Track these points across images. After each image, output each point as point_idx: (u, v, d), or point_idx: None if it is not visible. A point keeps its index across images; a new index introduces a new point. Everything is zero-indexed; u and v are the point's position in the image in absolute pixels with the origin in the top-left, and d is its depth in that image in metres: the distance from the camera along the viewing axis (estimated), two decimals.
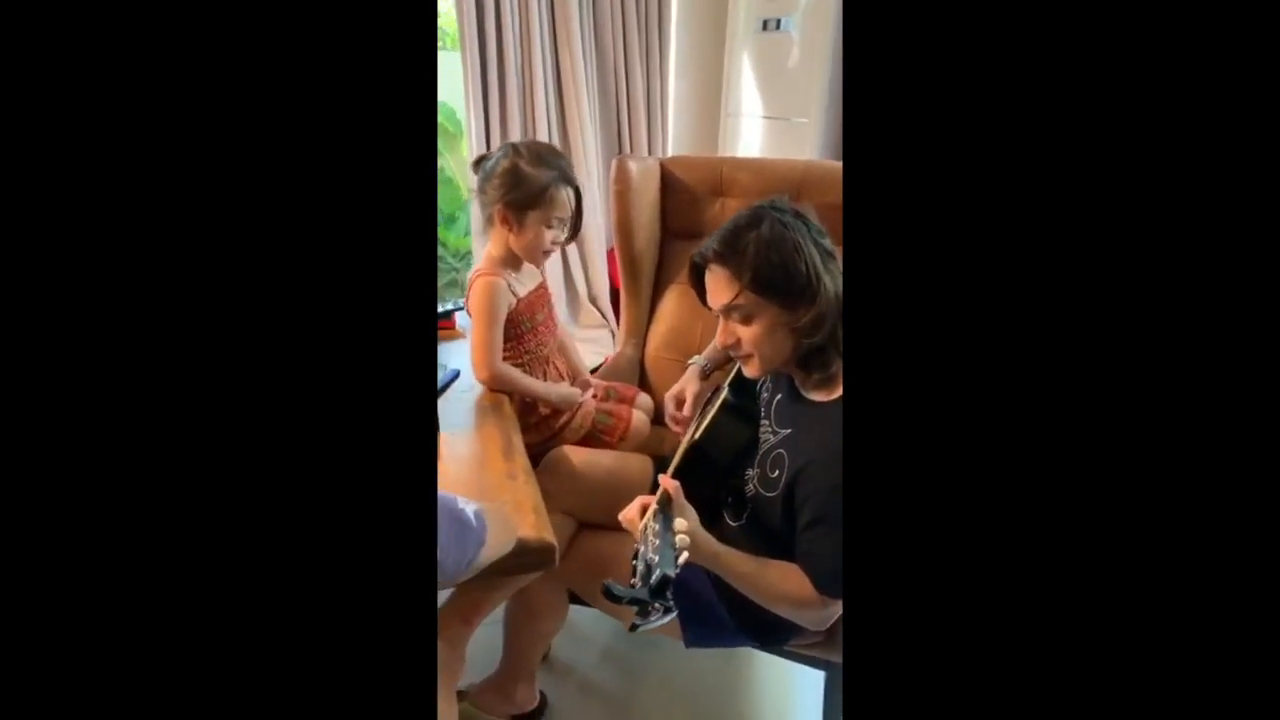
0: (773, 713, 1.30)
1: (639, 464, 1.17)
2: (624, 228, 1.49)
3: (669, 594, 0.72)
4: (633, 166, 1.47)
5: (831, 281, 0.88)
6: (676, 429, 1.16)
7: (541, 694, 1.26)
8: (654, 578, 0.71)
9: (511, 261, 1.16)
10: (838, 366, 0.92)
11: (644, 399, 1.34)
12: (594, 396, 1.27)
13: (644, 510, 0.85)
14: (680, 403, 1.18)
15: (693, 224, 1.58)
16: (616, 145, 2.32)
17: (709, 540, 0.87)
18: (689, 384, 1.22)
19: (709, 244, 0.91)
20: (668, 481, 0.86)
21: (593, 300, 2.44)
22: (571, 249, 2.37)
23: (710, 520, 1.07)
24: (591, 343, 2.37)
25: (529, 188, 1.07)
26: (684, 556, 0.75)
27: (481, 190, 1.11)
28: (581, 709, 1.29)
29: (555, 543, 0.79)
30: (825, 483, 0.86)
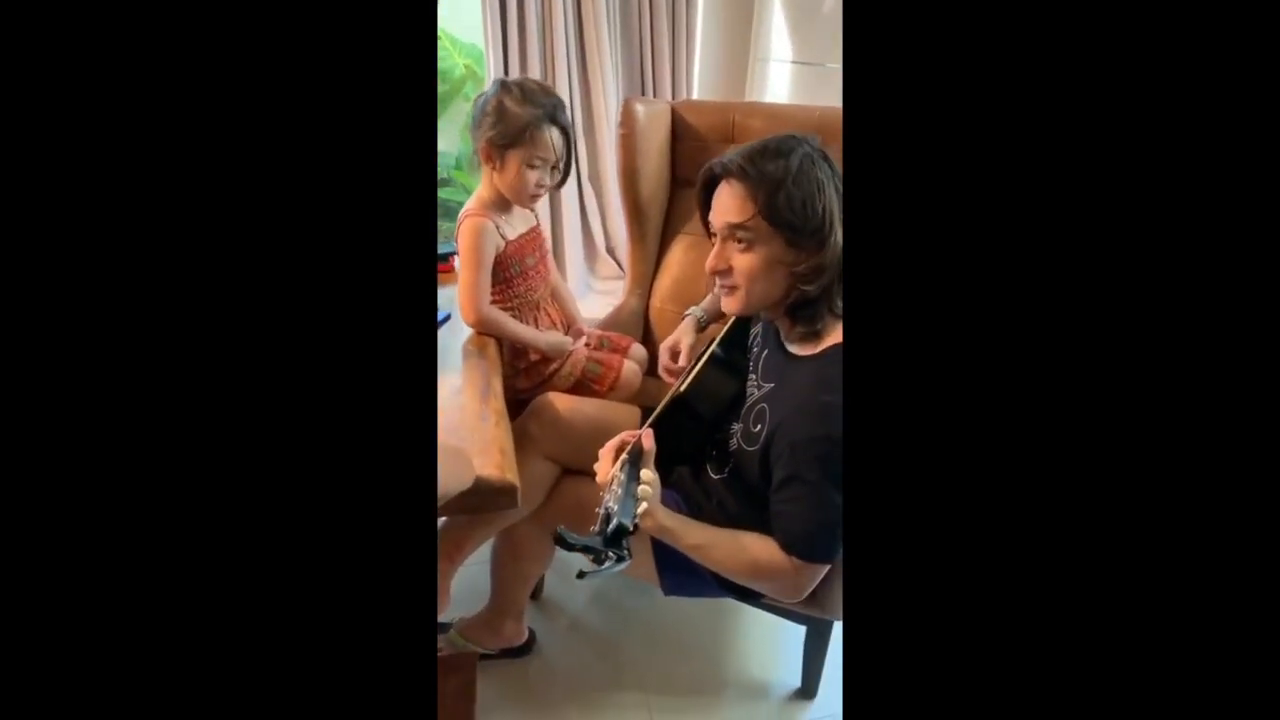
0: (756, 663, 1.32)
1: (625, 414, 1.16)
2: (629, 173, 1.46)
3: (625, 543, 0.72)
4: (640, 110, 1.42)
5: (842, 234, 0.85)
6: (669, 379, 1.15)
7: (530, 630, 1.29)
8: (611, 526, 0.71)
9: (500, 203, 1.14)
10: (825, 324, 0.89)
11: (638, 349, 1.33)
12: (587, 345, 1.26)
13: (615, 458, 0.85)
14: (674, 354, 1.16)
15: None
16: (639, 90, 2.25)
17: (664, 512, 0.86)
18: (684, 335, 1.20)
19: (732, 156, 0.86)
20: (646, 435, 0.85)
21: (610, 251, 2.41)
22: (589, 198, 2.34)
23: (694, 473, 1.07)
24: (608, 295, 2.35)
25: (511, 125, 1.05)
26: (643, 507, 0.75)
27: (473, 127, 1.09)
28: (569, 647, 1.33)
29: (517, 483, 0.79)
30: (798, 439, 0.84)
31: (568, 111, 1.10)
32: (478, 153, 1.09)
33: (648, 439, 0.85)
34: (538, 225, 1.23)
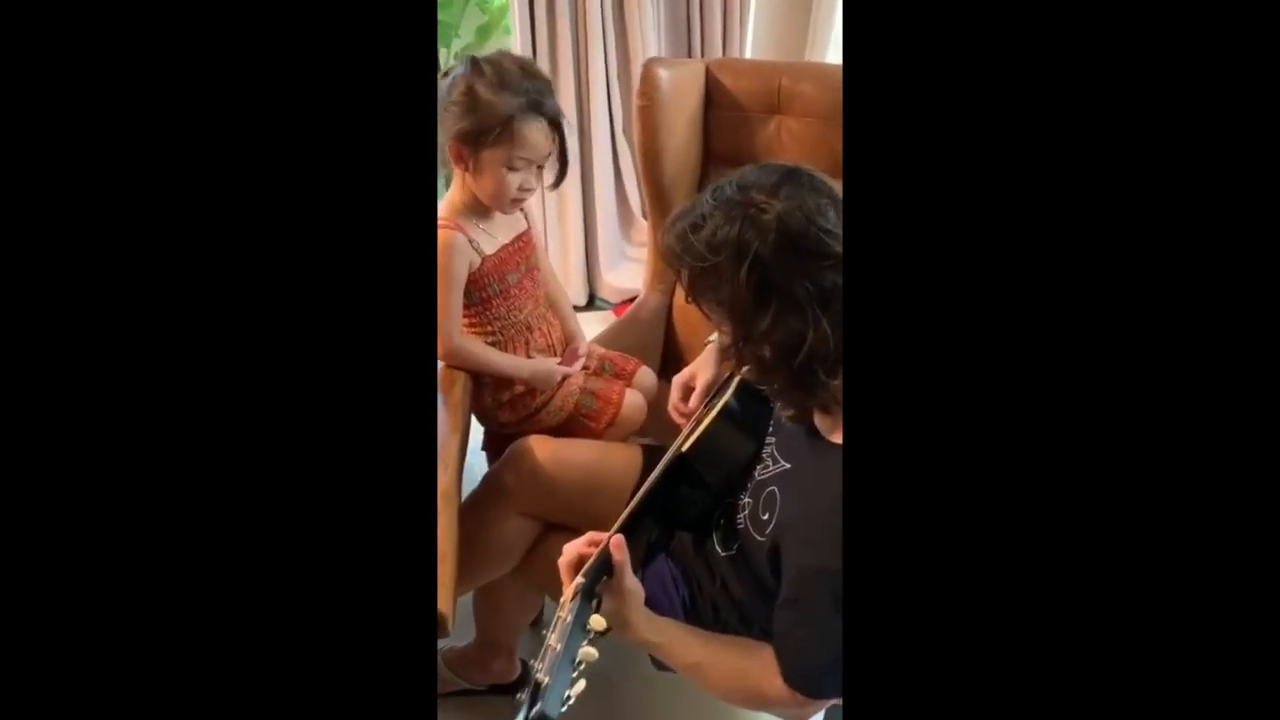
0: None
1: (624, 458, 0.99)
2: (649, 151, 1.23)
3: None
4: (663, 74, 1.19)
5: (789, 307, 0.63)
6: (680, 420, 0.97)
7: (523, 664, 1.19)
8: (534, 712, 0.55)
9: (476, 209, 0.95)
10: (818, 403, 0.71)
11: (645, 375, 1.13)
12: (585, 369, 1.08)
13: (581, 565, 0.69)
14: (688, 391, 0.98)
15: (742, 147, 1.29)
16: (685, 45, 1.95)
17: (651, 625, 0.71)
18: (702, 368, 1.01)
19: (670, 227, 0.69)
20: (615, 544, 0.68)
21: (646, 216, 2.18)
22: (625, 156, 2.11)
23: (697, 543, 0.91)
24: (644, 264, 2.15)
25: (484, 118, 0.85)
26: (579, 687, 0.59)
27: (439, 118, 0.89)
28: None
29: (450, 614, 0.65)
30: (807, 564, 0.68)
31: (555, 95, 0.89)
32: (447, 150, 0.89)
33: (618, 549, 0.68)
34: (527, 230, 1.03)
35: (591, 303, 2.27)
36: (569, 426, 1.03)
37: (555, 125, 0.88)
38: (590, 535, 0.71)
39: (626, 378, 1.11)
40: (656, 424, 1.15)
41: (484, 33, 2.96)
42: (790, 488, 0.75)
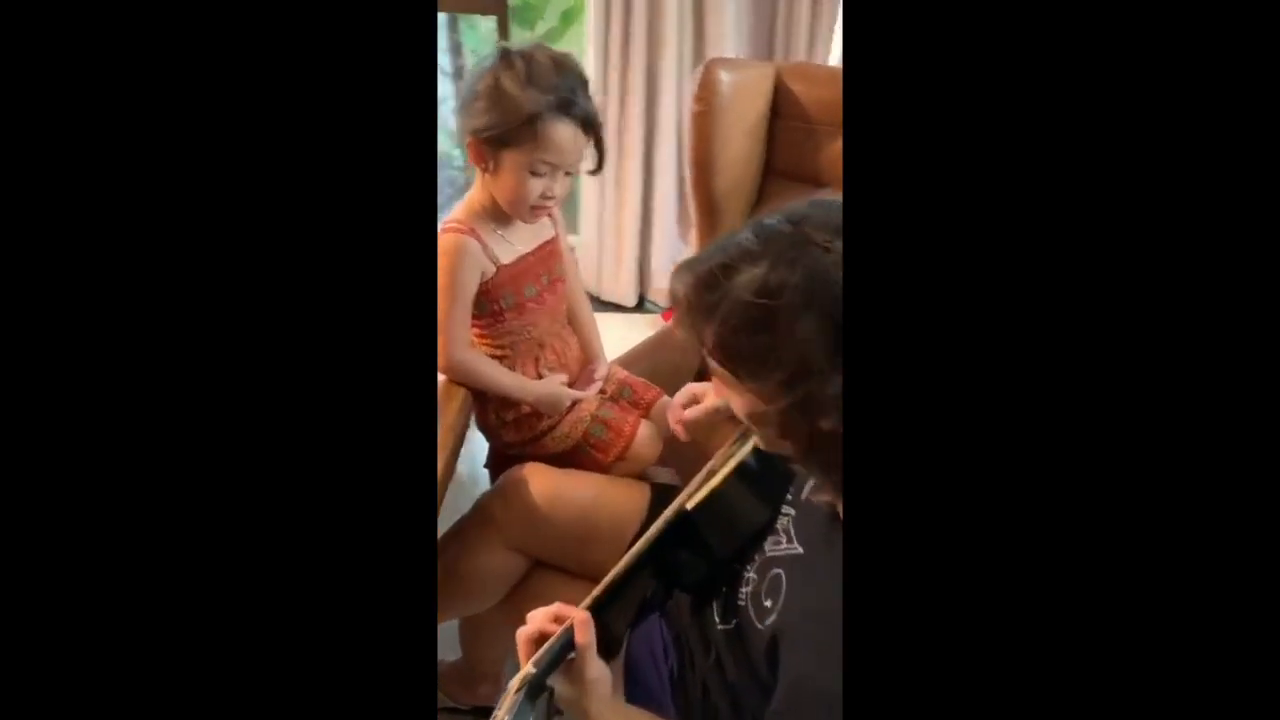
0: None
1: (628, 500, 0.91)
2: (701, 160, 1.14)
3: None
4: (724, 77, 1.09)
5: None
6: (676, 429, 0.87)
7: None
8: None
9: (496, 213, 0.87)
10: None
11: (664, 406, 1.04)
12: (601, 393, 0.99)
13: (541, 643, 0.61)
14: (693, 401, 0.87)
15: (806, 163, 1.18)
16: (767, 46, 1.82)
17: (616, 713, 0.62)
18: (720, 390, 0.90)
19: (682, 272, 0.57)
20: (580, 625, 0.59)
21: None
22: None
23: (694, 608, 0.81)
24: None
25: (507, 116, 0.77)
26: None
27: (459, 110, 0.81)
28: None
29: None
30: (806, 685, 0.57)
31: (588, 94, 0.80)
32: (464, 146, 0.82)
33: (581, 631, 0.59)
34: (554, 238, 0.95)
35: (640, 304, 2.19)
36: (575, 456, 0.95)
37: (587, 128, 0.80)
38: (557, 608, 0.63)
39: (644, 408, 1.01)
40: (676, 456, 1.06)
41: (569, 17, 2.89)
42: (799, 577, 0.64)
